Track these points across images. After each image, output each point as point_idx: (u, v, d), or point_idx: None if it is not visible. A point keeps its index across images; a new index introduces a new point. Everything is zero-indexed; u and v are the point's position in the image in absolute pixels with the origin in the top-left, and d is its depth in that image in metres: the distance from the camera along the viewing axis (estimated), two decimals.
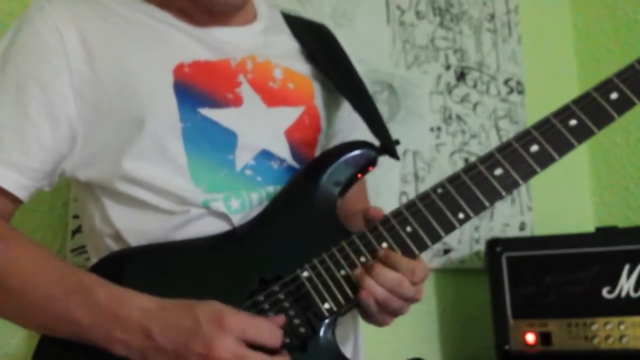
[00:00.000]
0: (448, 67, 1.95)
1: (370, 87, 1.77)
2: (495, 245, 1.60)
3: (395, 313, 0.80)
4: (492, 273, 1.59)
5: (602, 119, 0.85)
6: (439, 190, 0.82)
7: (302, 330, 0.76)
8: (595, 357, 1.48)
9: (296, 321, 0.76)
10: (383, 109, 1.77)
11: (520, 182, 0.82)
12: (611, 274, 1.50)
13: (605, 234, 1.58)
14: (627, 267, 1.49)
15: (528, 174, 0.82)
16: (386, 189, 1.71)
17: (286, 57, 0.94)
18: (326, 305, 0.77)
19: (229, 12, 0.90)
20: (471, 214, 0.81)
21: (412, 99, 1.84)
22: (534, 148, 0.82)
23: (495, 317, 1.57)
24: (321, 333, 0.77)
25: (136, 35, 0.86)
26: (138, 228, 0.82)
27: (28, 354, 1.23)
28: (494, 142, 1.98)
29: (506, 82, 2.08)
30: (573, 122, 0.84)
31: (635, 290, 1.48)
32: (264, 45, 0.93)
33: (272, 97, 0.89)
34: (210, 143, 0.83)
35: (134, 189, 0.82)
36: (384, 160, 1.72)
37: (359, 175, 0.87)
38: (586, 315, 1.49)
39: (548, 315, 1.52)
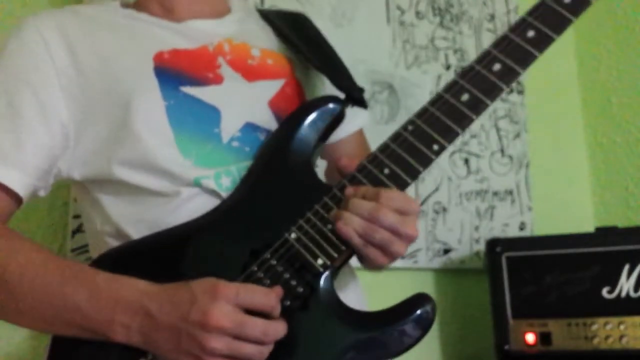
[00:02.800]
0: (448, 67, 1.95)
1: (370, 87, 1.78)
2: (495, 245, 1.60)
3: (385, 248, 0.78)
4: (492, 273, 1.59)
5: (526, 58, 0.84)
6: (410, 127, 0.82)
7: (300, 290, 0.77)
8: (595, 357, 1.48)
9: (293, 282, 0.77)
10: (383, 109, 1.77)
11: (488, 102, 0.81)
12: (611, 274, 1.50)
13: (605, 234, 1.57)
14: (627, 267, 1.49)
15: (495, 92, 0.82)
16: None
17: (262, 39, 0.98)
18: (319, 261, 0.77)
19: None
20: (445, 144, 0.81)
21: (412, 99, 1.84)
22: (497, 67, 0.82)
23: (495, 317, 1.57)
24: (320, 289, 0.77)
25: (116, 33, 0.90)
26: (136, 217, 0.85)
27: (29, 354, 1.23)
28: (493, 142, 1.98)
29: None
30: (531, 33, 0.83)
31: (635, 290, 1.48)
32: (239, 31, 0.96)
33: (252, 73, 0.92)
34: (194, 118, 0.86)
35: (129, 173, 0.84)
36: None
37: (324, 132, 0.87)
38: (586, 315, 1.49)
39: (548, 315, 1.52)
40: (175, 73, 0.87)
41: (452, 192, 1.87)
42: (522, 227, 2.00)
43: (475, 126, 1.97)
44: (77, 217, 1.26)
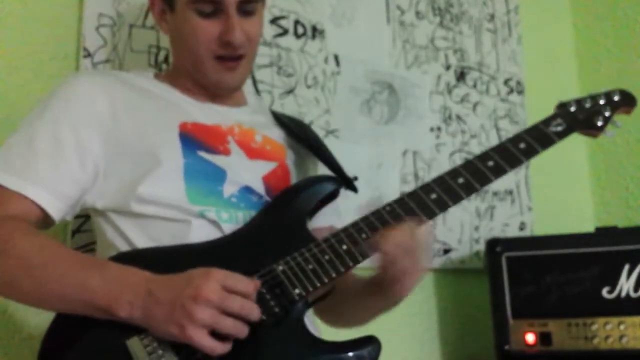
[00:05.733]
0: (448, 67, 1.95)
1: (370, 87, 1.78)
2: (495, 245, 1.60)
3: (402, 276, 0.98)
4: (492, 273, 1.60)
5: (514, 161, 1.08)
6: (387, 208, 1.02)
7: (276, 310, 0.93)
8: (595, 357, 1.49)
9: (272, 303, 0.93)
10: (383, 109, 1.78)
11: (451, 204, 1.02)
12: (611, 274, 1.50)
13: (605, 234, 1.58)
14: (627, 267, 1.49)
15: (457, 199, 1.03)
16: (386, 188, 1.71)
17: (266, 127, 1.19)
18: (296, 291, 0.94)
19: (227, 93, 1.15)
20: None
21: (412, 99, 1.84)
22: (461, 180, 1.04)
23: (495, 317, 1.57)
24: (292, 314, 0.94)
25: (150, 100, 1.10)
26: (148, 238, 1.00)
27: (28, 354, 1.23)
28: (493, 142, 1.97)
29: (506, 82, 2.08)
30: (490, 163, 1.06)
31: (635, 290, 1.48)
32: (249, 120, 1.17)
33: (253, 153, 1.13)
34: (204, 176, 1.05)
35: (146, 208, 1.01)
36: (384, 161, 1.73)
37: (320, 202, 1.07)
38: (586, 315, 1.50)
39: (548, 315, 1.52)
40: (194, 140, 1.07)
41: None
42: (522, 227, 2.01)
43: (475, 126, 1.97)
44: (77, 217, 1.26)
